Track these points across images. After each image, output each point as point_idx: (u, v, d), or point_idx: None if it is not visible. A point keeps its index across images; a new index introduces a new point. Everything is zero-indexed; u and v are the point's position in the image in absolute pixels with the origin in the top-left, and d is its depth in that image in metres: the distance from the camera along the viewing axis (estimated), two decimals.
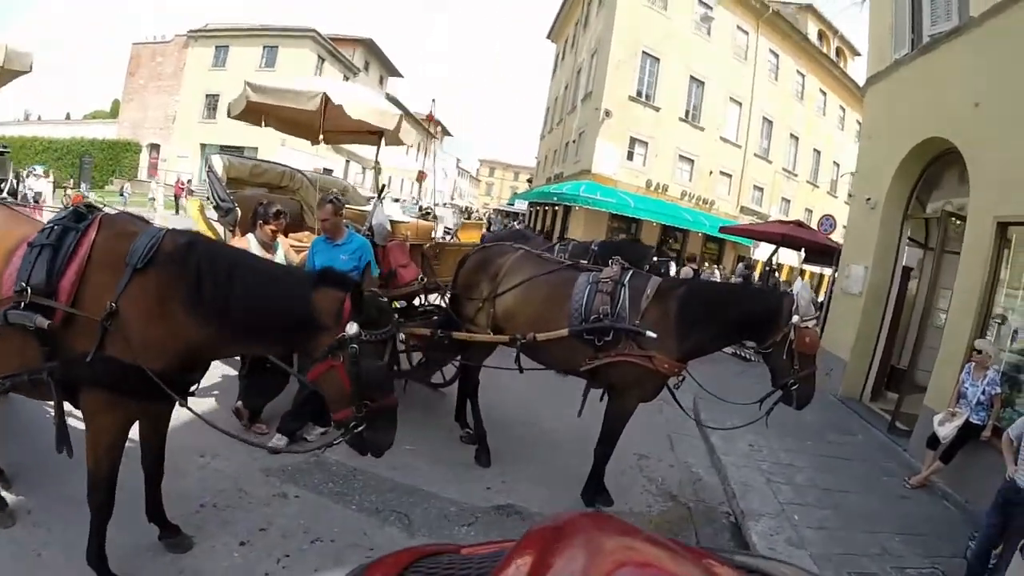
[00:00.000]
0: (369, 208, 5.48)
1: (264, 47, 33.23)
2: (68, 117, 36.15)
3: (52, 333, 2.30)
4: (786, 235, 12.31)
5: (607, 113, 21.67)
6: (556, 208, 25.89)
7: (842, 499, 5.05)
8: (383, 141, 6.68)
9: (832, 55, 28.84)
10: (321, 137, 6.41)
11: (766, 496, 4.86)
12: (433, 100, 6.46)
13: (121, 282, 2.33)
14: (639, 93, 22.44)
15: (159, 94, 32.30)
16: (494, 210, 48.51)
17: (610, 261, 5.83)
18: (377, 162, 6.69)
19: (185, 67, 32.57)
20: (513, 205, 45.22)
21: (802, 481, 5.35)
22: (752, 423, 3.98)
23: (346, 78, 38.13)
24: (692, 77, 22.91)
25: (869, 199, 8.84)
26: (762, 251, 19.26)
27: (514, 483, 4.22)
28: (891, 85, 8.89)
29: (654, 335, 3.65)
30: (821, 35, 29.02)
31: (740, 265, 19.24)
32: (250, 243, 4.19)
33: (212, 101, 33.02)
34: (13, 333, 2.29)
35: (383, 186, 5.94)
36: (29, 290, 2.27)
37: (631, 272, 4.03)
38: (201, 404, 4.63)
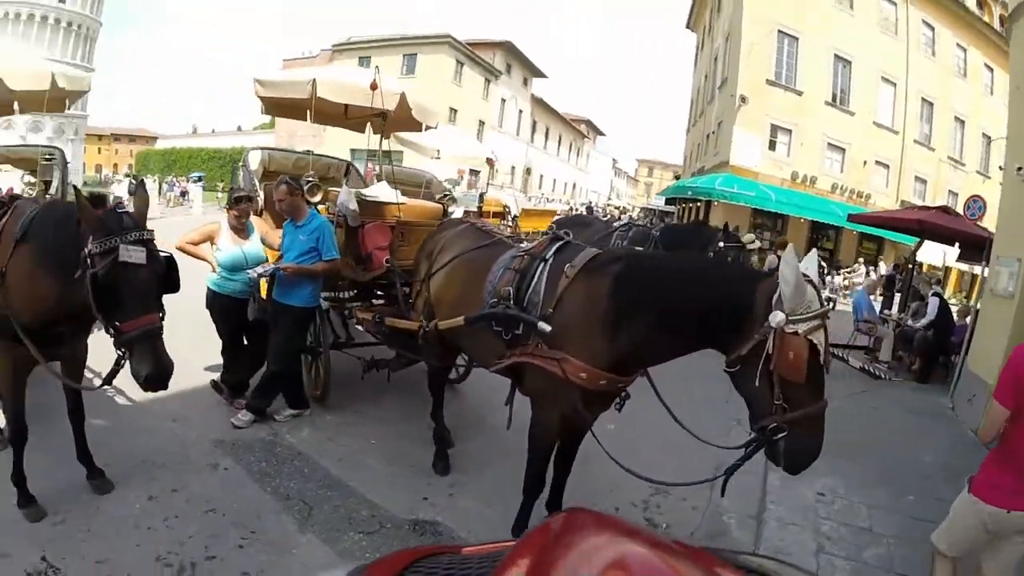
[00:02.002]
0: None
1: (404, 55, 35.28)
2: (239, 129, 40.89)
3: None
4: (924, 223, 9.37)
5: (743, 99, 20.12)
6: (698, 204, 24.49)
7: None
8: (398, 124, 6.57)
9: (996, 24, 24.09)
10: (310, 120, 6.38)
11: None
12: (376, 68, 5.72)
13: (7, 252, 2.69)
14: (778, 76, 20.56)
15: None
16: (642, 208, 47.23)
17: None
18: (381, 148, 6.52)
19: None
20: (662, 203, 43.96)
21: (875, 561, 3.54)
22: (700, 483, 2.74)
23: (487, 81, 39.42)
24: (836, 56, 20.50)
25: (1022, 169, 6.99)
26: (930, 251, 16.47)
27: (459, 497, 3.63)
28: None
29: (547, 327, 2.64)
30: (980, 1, 24.46)
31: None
32: (222, 226, 4.31)
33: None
34: None
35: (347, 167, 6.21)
36: None
37: (562, 244, 2.99)
38: (190, 376, 4.76)
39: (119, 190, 17.90)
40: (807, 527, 3.82)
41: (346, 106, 6.08)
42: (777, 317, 2.07)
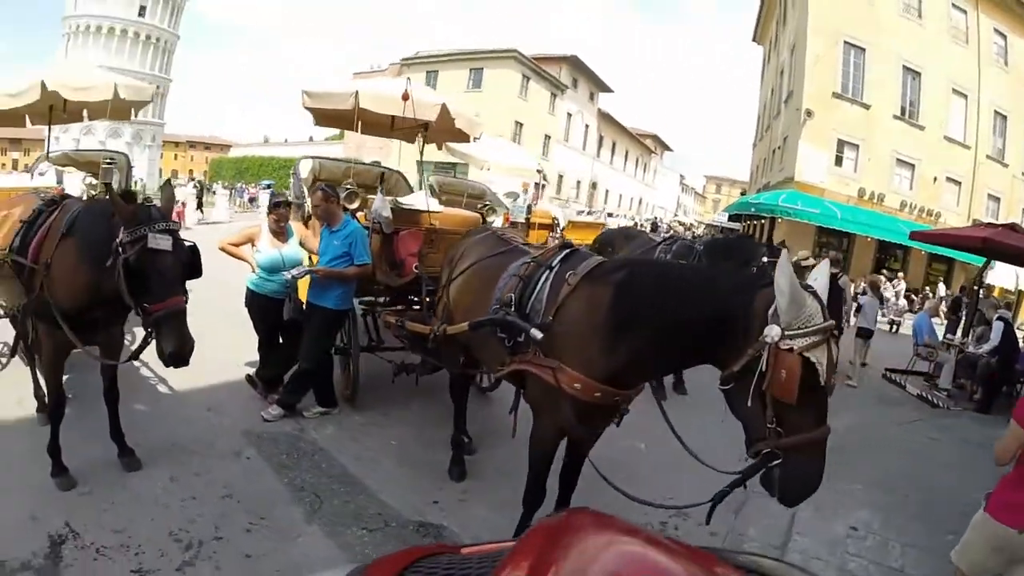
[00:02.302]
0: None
1: (470, 69, 35.93)
2: (311, 139, 42.54)
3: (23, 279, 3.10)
4: (989, 240, 8.26)
5: (808, 113, 19.58)
6: (762, 222, 23.88)
7: None
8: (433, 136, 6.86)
9: None
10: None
11: None
12: (408, 79, 5.75)
13: (53, 245, 3.00)
14: (844, 89, 19.87)
15: None
16: (707, 225, 46.34)
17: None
18: (422, 158, 6.70)
19: None
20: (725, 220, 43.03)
21: None
22: (687, 507, 2.36)
23: (553, 95, 39.69)
24: (905, 67, 19.61)
25: None
26: (1002, 273, 15.47)
27: (471, 504, 3.62)
28: None
29: (539, 334, 2.59)
30: None
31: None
32: (262, 229, 4.56)
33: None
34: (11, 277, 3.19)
35: (382, 175, 6.31)
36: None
37: (568, 252, 2.93)
38: (228, 371, 5.04)
39: (180, 194, 19.28)
40: (832, 563, 3.55)
41: (392, 117, 6.30)
42: (772, 331, 1.90)
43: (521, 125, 37.07)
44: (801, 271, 10.02)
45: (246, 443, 4.02)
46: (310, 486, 3.56)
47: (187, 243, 2.84)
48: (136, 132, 38.81)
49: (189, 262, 2.82)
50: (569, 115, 42.27)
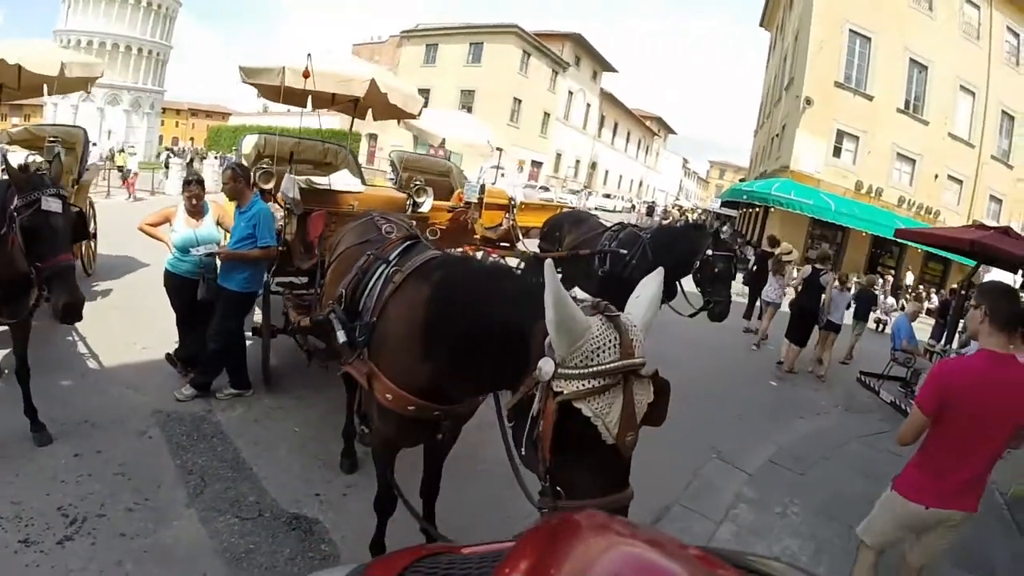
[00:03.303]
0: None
1: (470, 44, 35.60)
2: (313, 110, 42.23)
3: None
4: (978, 243, 7.64)
5: (808, 101, 19.28)
6: (757, 210, 23.64)
7: None
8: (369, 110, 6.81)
9: None
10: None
11: None
12: (309, 55, 4.86)
13: None
14: (847, 79, 19.49)
15: None
16: (703, 211, 45.94)
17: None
18: (351, 132, 6.55)
19: (399, 65, 36.06)
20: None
21: None
22: None
23: (555, 72, 39.23)
24: (912, 59, 19.19)
25: None
26: (1000, 278, 15.14)
27: (352, 500, 3.48)
28: None
29: (343, 337, 2.45)
30: None
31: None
32: (178, 209, 4.53)
33: (423, 95, 36.19)
34: None
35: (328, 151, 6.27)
36: None
37: (409, 245, 2.75)
38: (156, 349, 5.06)
39: (132, 163, 19.33)
40: None
41: (332, 94, 6.20)
42: (546, 366, 1.49)
43: (520, 101, 36.75)
44: (781, 266, 9.87)
45: (153, 422, 4.03)
46: (199, 469, 3.56)
47: (73, 208, 3.07)
48: (135, 99, 38.73)
49: (77, 224, 3.08)
50: (570, 93, 41.88)
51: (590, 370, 1.44)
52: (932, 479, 2.63)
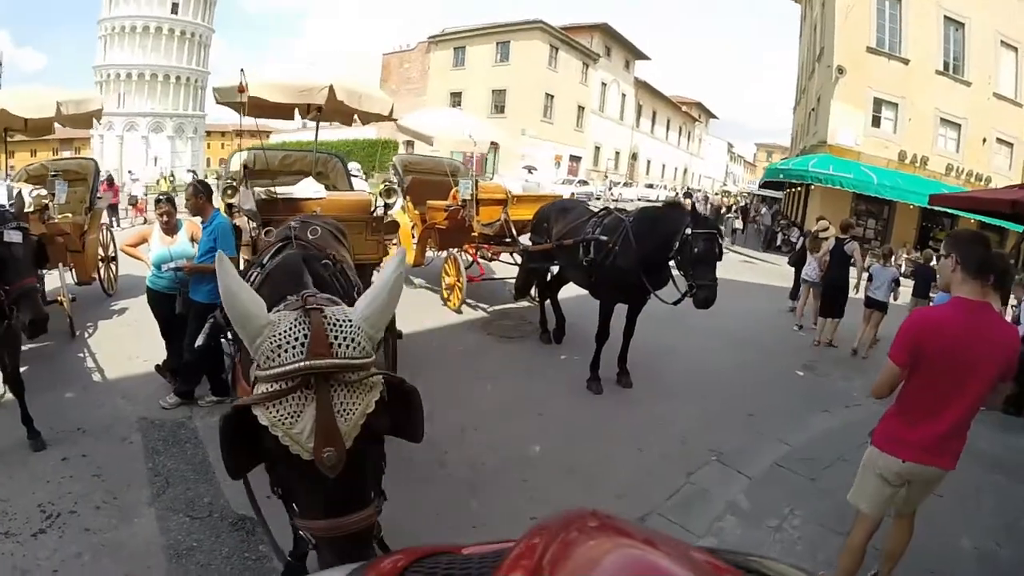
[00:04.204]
0: None
1: (497, 43, 35.69)
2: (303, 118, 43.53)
3: None
4: (1019, 203, 7.26)
5: (840, 70, 18.55)
6: (800, 190, 22.88)
7: None
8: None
9: None
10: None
11: None
12: (242, 70, 5.15)
13: None
14: (880, 43, 18.62)
15: (409, 96, 36.72)
16: (747, 194, 44.52)
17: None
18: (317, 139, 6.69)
19: (429, 70, 36.51)
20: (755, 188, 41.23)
21: None
22: None
23: (585, 65, 38.97)
24: (947, 17, 18.09)
25: None
26: None
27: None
28: None
29: (200, 340, 2.65)
30: None
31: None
32: (154, 227, 4.84)
33: (455, 99, 36.67)
34: None
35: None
36: None
37: (282, 245, 2.74)
38: (150, 363, 5.32)
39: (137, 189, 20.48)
40: None
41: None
42: (252, 367, 1.38)
43: (552, 96, 36.62)
44: (818, 243, 9.42)
45: (136, 429, 4.33)
46: (166, 471, 3.80)
47: (34, 237, 3.57)
48: (178, 125, 40.64)
49: (37, 251, 3.55)
50: (603, 84, 41.42)
51: (267, 372, 1.29)
52: (907, 430, 2.59)
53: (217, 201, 5.04)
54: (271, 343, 1.31)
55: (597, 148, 42.46)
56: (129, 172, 24.08)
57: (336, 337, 1.31)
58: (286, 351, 1.29)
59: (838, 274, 8.06)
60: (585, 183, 32.29)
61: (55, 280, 5.90)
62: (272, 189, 5.09)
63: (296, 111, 6.69)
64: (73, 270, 6.57)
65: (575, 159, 40.01)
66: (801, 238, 11.96)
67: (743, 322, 8.64)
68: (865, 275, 8.19)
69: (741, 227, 21.59)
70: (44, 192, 5.90)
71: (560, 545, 0.77)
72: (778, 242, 18.85)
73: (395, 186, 6.00)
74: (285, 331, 1.32)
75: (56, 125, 7.14)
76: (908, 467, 2.59)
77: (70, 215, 6.62)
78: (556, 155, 36.95)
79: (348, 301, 1.69)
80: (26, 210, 5.49)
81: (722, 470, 4.33)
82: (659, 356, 6.51)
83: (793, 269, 10.43)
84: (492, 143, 9.11)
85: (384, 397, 1.39)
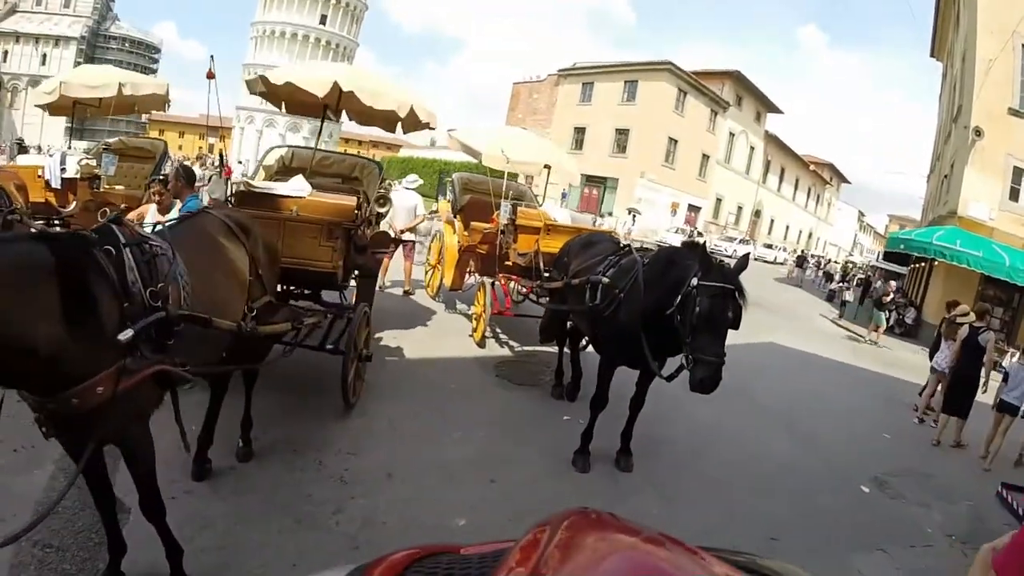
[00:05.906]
0: None
1: (625, 82, 35.52)
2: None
3: None
4: None
5: (976, 132, 16.41)
6: (924, 265, 20.48)
7: None
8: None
9: None
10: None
11: None
12: (211, 56, 5.02)
13: None
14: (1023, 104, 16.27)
15: (534, 127, 37.24)
16: (869, 266, 40.54)
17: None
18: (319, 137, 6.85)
19: (556, 103, 36.90)
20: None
21: None
22: None
23: (714, 112, 37.88)
24: None
25: None
26: None
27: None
28: None
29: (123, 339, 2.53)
30: None
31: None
32: (149, 209, 4.97)
33: (579, 134, 36.81)
34: None
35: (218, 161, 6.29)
36: None
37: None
38: None
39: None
40: None
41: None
42: None
43: (676, 142, 35.71)
44: (954, 329, 7.91)
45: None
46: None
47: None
48: (314, 128, 43.74)
49: None
50: (732, 135, 39.84)
51: None
52: None
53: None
54: None
55: (719, 200, 40.76)
56: (239, 162, 25.82)
57: None
58: None
59: (969, 367, 7.00)
60: (701, 234, 30.16)
61: None
62: (250, 181, 5.02)
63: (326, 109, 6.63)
64: None
65: (694, 208, 38.60)
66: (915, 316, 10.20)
67: (822, 408, 7.60)
68: (996, 373, 6.90)
69: (852, 299, 19.56)
70: (94, 163, 6.25)
71: (560, 544, 0.79)
72: (890, 321, 16.78)
73: (388, 194, 5.78)
74: None
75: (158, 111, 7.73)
76: None
77: (122, 187, 6.98)
78: (673, 202, 35.81)
79: None
80: (74, 175, 6.05)
81: None
82: (689, 434, 5.53)
83: (929, 362, 8.51)
84: (545, 166, 8.67)
85: None
